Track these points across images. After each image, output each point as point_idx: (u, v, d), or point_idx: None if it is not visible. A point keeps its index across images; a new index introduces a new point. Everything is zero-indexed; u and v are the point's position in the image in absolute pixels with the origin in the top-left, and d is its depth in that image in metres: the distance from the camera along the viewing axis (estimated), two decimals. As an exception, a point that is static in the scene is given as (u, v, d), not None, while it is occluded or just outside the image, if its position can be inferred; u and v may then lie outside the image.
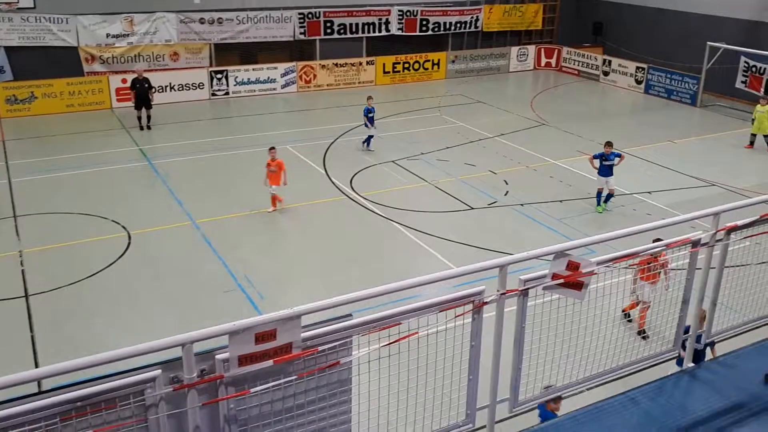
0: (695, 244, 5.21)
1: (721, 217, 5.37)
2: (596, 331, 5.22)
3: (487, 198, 17.12)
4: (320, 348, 3.98)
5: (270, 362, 3.83)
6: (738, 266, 6.01)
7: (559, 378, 5.11)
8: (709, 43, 25.93)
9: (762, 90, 25.16)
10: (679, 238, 5.14)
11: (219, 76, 26.59)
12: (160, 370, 3.62)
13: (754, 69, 25.50)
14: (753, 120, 22.02)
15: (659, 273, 7.57)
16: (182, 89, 26.00)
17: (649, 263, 7.23)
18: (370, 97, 20.80)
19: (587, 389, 5.34)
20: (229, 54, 27.31)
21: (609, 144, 16.19)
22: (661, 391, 5.34)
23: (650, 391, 5.30)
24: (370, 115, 20.32)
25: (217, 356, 3.76)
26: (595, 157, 16.36)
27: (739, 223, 5.42)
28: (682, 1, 28.91)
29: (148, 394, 3.61)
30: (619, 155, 16.26)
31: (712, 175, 18.92)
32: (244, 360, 3.79)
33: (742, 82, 25.97)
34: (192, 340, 3.60)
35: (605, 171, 16.12)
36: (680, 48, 28.49)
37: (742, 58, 25.69)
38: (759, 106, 21.86)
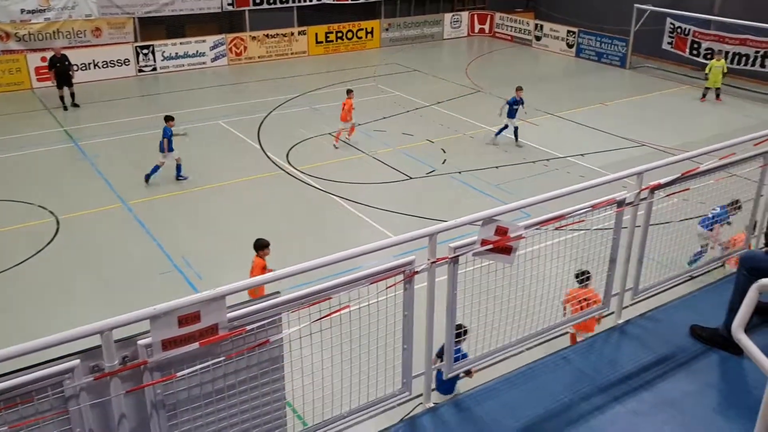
0: (620, 203, 5.30)
1: (646, 176, 5.48)
2: (528, 294, 5.29)
3: (425, 167, 17.16)
4: (248, 327, 3.89)
5: (195, 345, 3.73)
6: (664, 223, 6.16)
7: (493, 341, 5.16)
8: (636, 5, 26.42)
9: (687, 50, 25.86)
10: (604, 198, 5.22)
11: (145, 51, 25.70)
12: (78, 360, 3.48)
13: (679, 30, 26.15)
14: (707, 75, 22.94)
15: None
16: (106, 66, 25.03)
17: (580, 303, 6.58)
18: (519, 88, 18.50)
19: (521, 351, 5.42)
20: (154, 28, 26.40)
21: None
22: (592, 348, 5.46)
23: (582, 348, 5.41)
24: (515, 107, 18.37)
25: (140, 342, 3.64)
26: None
27: (662, 181, 5.54)
28: (609, -36, 29.33)
29: (67, 386, 3.47)
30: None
31: (641, 135, 19.40)
32: (168, 344, 3.68)
33: (669, 43, 26.63)
34: (110, 327, 3.47)
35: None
36: (609, 11, 28.96)
37: (668, 20, 26.31)
38: (714, 61, 22.78)
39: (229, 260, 12.74)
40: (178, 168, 16.20)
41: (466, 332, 5.45)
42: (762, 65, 23.72)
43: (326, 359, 4.42)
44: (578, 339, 7.96)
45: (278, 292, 4.02)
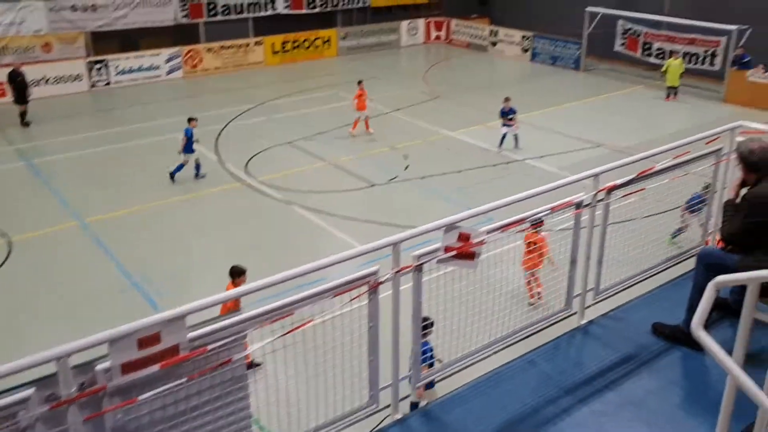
0: (578, 205, 5.36)
1: (603, 177, 5.56)
2: (493, 298, 5.31)
3: (387, 174, 17.17)
4: (210, 347, 3.81)
5: (156, 367, 3.65)
6: (623, 222, 6.25)
7: (460, 348, 5.16)
8: (588, 8, 26.89)
9: (639, 51, 26.41)
10: (562, 201, 5.27)
11: (98, 66, 25.23)
12: (33, 389, 3.36)
13: (631, 31, 26.69)
14: (663, 73, 23.74)
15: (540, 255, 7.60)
16: (58, 82, 24.47)
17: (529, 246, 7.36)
18: (507, 99, 18.81)
19: (488, 356, 5.43)
20: (107, 42, 25.90)
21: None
22: (557, 350, 5.50)
23: (546, 351, 5.44)
24: (509, 117, 18.64)
25: (98, 367, 3.53)
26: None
27: (618, 182, 5.62)
28: (561, -31, 29.81)
29: (21, 417, 3.34)
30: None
31: (598, 135, 19.72)
32: (127, 368, 3.59)
33: (621, 44, 27.15)
34: (66, 353, 3.37)
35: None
36: (562, 15, 29.39)
37: (620, 22, 26.84)
38: (672, 60, 23.52)
39: (190, 276, 12.56)
40: (197, 167, 16.77)
41: (432, 324, 5.45)
42: (711, 64, 24.34)
43: (292, 375, 4.37)
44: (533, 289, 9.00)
45: (239, 309, 3.95)
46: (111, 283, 12.21)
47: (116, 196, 15.86)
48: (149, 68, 26.23)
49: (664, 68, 23.84)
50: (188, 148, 16.50)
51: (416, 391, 5.31)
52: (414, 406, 6.23)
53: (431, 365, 5.43)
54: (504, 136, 18.74)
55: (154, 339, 3.60)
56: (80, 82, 24.93)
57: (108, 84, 25.47)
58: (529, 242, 7.32)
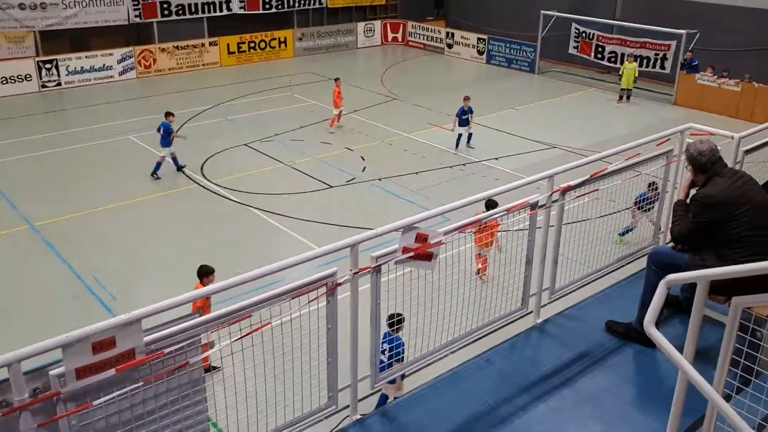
0: (533, 206, 5.44)
1: (557, 178, 5.66)
2: (451, 299, 5.35)
3: (345, 175, 17.15)
4: (166, 350, 3.76)
5: (112, 371, 3.58)
6: (578, 222, 6.37)
7: (418, 347, 5.19)
8: (542, 11, 27.32)
9: (592, 54, 26.94)
10: (518, 202, 5.35)
11: (48, 66, 24.60)
12: (-17, 397, 3.27)
13: (584, 35, 27.21)
14: (620, 76, 24.25)
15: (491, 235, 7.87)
16: (6, 82, 23.79)
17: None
18: (467, 98, 18.97)
19: (446, 355, 5.47)
20: (57, 41, 25.27)
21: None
22: (514, 348, 5.58)
23: (503, 350, 5.52)
24: (465, 116, 18.78)
25: (51, 372, 3.46)
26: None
27: (572, 183, 5.73)
28: (515, -27, 30.22)
29: (-30, 425, 3.25)
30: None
31: (553, 137, 20.05)
32: (82, 372, 3.51)
33: (575, 47, 27.65)
34: (18, 359, 3.29)
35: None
36: (517, 18, 29.81)
37: (573, 25, 27.33)
38: (627, 63, 24.06)
39: (144, 279, 12.35)
40: (175, 161, 16.93)
41: (402, 320, 5.56)
42: (662, 67, 24.98)
43: (249, 377, 4.34)
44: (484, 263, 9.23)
45: (197, 312, 3.91)
46: (64, 287, 11.93)
47: (68, 199, 15.50)
48: (101, 68, 25.69)
49: (620, 72, 24.38)
50: (166, 142, 16.58)
51: (387, 386, 5.36)
52: (383, 398, 6.37)
53: (401, 359, 5.52)
54: (460, 137, 18.95)
55: (109, 343, 3.53)
56: (30, 83, 24.28)
57: (59, 85, 24.87)
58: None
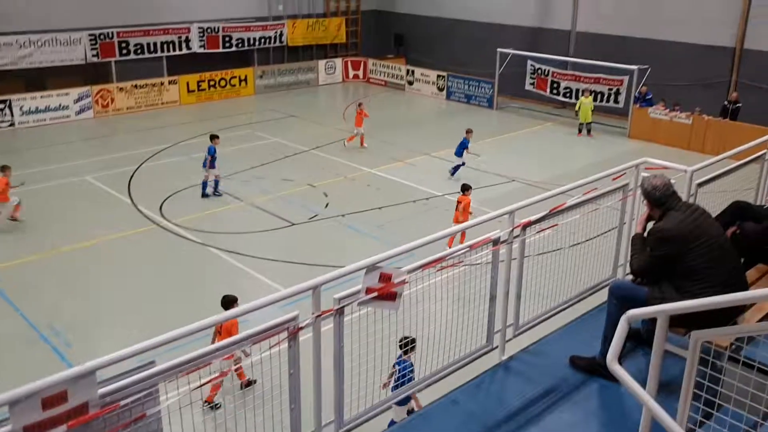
0: (495, 242, 5.46)
1: (518, 213, 5.69)
2: (420, 338, 5.31)
3: (307, 212, 17.07)
4: (122, 402, 3.62)
5: (63, 428, 3.43)
6: (539, 254, 6.40)
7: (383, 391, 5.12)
8: (499, 49, 27.90)
9: (548, 90, 27.56)
10: (480, 238, 5.36)
11: (1, 106, 24.14)
12: None
13: (540, 71, 27.85)
14: (577, 111, 24.87)
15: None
16: (-42, 123, 23.30)
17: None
18: (469, 131, 19.92)
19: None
20: (11, 81, 24.81)
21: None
22: (480, 387, 5.53)
23: (469, 389, 5.46)
24: (462, 149, 19.70)
25: (-5, 432, 3.29)
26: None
27: (533, 218, 5.77)
28: (472, 12, 30.84)
29: None
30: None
31: (512, 171, 20.31)
32: (31, 430, 3.35)
33: (531, 83, 28.26)
34: (-40, 419, 3.12)
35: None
36: (475, 55, 30.39)
37: (529, 62, 27.97)
38: (583, 98, 24.58)
39: (100, 325, 12.01)
40: (216, 184, 18.06)
41: (413, 341, 5.86)
42: (616, 101, 25.64)
43: (210, 425, 4.21)
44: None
45: (153, 362, 3.78)
46: (15, 335, 11.52)
47: (21, 242, 15.09)
48: (57, 108, 25.29)
49: (577, 107, 24.95)
50: (212, 164, 17.74)
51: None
52: (392, 423, 6.45)
53: (410, 380, 5.69)
54: (459, 166, 19.62)
55: (60, 398, 3.39)
56: (-19, 123, 23.78)
57: (12, 125, 24.39)
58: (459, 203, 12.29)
